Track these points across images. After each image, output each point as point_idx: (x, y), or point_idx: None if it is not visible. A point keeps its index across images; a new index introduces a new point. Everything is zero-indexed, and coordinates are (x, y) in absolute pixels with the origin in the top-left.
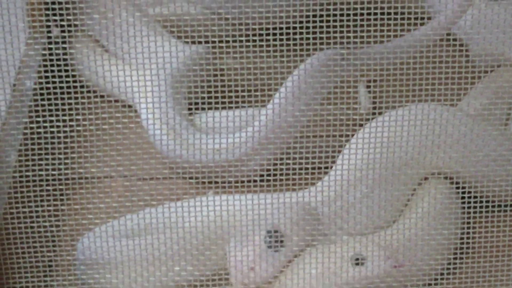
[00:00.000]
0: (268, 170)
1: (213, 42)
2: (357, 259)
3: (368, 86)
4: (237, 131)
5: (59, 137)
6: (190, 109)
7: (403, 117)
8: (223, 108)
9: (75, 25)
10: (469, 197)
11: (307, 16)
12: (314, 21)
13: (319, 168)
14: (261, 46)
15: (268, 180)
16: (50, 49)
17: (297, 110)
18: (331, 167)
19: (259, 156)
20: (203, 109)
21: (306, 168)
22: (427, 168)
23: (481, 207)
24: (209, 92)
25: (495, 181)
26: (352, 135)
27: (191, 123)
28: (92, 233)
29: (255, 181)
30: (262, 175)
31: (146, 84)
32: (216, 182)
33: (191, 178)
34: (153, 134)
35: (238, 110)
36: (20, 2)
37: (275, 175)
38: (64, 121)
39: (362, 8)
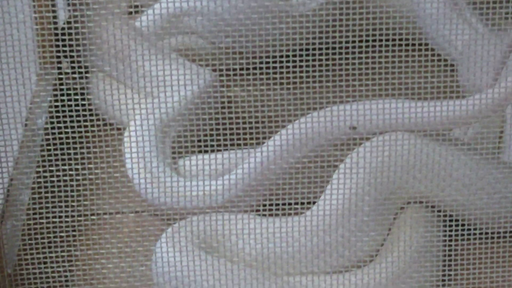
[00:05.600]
0: (258, 210)
1: (220, 70)
2: None
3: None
4: (223, 175)
5: (71, 175)
6: (176, 153)
7: (384, 146)
8: (228, 145)
9: (85, 60)
10: (456, 225)
11: (313, 44)
12: (320, 49)
13: (308, 203)
14: (267, 74)
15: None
16: (61, 84)
17: (285, 163)
18: (318, 199)
19: (242, 202)
20: (192, 151)
21: (297, 203)
22: (411, 197)
23: (469, 234)
24: (217, 124)
25: (482, 209)
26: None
27: (175, 168)
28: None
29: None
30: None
31: (130, 134)
32: None
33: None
34: (137, 183)
35: (224, 153)
36: (31, 43)
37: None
38: (75, 159)
39: (367, 35)
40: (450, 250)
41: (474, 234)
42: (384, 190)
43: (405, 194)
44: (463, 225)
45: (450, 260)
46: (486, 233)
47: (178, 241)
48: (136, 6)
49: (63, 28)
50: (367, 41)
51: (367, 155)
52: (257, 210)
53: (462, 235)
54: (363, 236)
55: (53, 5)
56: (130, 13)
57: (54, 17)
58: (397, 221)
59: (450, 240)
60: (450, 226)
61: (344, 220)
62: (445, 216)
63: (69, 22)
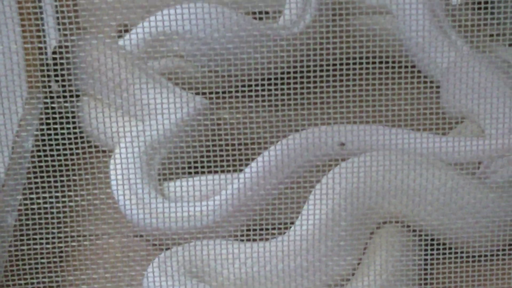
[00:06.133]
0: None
1: (204, 93)
2: None
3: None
4: (207, 199)
5: (57, 197)
6: (162, 175)
7: (365, 164)
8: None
9: (71, 84)
10: (432, 245)
11: (294, 67)
12: (302, 72)
13: (285, 228)
14: (250, 96)
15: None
16: (48, 107)
17: (268, 184)
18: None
19: (228, 223)
20: (177, 172)
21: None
22: (387, 216)
23: (444, 254)
24: (201, 146)
25: (462, 229)
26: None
27: (160, 192)
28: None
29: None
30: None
31: (116, 156)
32: None
33: (161, 245)
34: (122, 205)
35: (208, 176)
36: (18, 68)
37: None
38: (62, 181)
39: (347, 58)
40: (425, 274)
41: (450, 254)
42: (360, 214)
43: (381, 219)
44: (438, 244)
45: (426, 284)
46: (463, 254)
47: (158, 267)
48: (126, 25)
49: (53, 52)
50: (347, 64)
51: (343, 179)
52: (235, 236)
53: (438, 258)
54: (340, 261)
55: (41, 30)
56: (120, 31)
57: (41, 42)
58: (372, 246)
59: (426, 264)
60: (426, 246)
61: (320, 245)
62: (420, 235)
63: (58, 47)
